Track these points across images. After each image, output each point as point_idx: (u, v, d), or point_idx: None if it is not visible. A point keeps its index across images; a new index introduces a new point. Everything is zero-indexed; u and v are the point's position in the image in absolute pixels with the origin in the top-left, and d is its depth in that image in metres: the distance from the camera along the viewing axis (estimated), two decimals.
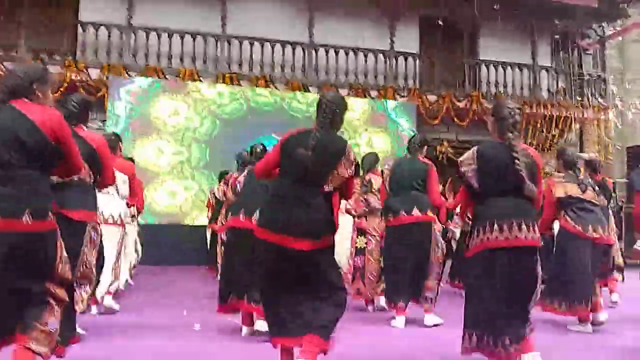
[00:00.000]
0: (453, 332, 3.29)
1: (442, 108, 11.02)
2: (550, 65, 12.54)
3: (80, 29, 9.78)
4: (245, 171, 4.23)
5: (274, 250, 2.75)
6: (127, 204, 4.89)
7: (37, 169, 2.42)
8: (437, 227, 4.47)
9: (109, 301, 4.58)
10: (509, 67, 11.88)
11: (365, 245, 5.09)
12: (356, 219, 5.30)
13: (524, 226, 2.95)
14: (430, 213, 4.40)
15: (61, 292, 2.50)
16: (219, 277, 4.53)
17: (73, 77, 9.23)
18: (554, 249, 4.48)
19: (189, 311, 4.78)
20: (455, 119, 11.11)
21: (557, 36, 12.59)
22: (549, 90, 12.37)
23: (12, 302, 2.35)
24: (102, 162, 3.40)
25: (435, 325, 4.24)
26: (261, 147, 4.34)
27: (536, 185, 3.05)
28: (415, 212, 4.35)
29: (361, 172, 5.38)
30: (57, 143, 2.46)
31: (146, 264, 7.79)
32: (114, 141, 4.45)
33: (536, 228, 3.01)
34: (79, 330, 3.54)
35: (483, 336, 2.94)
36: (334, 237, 2.84)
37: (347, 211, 5.67)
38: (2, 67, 8.70)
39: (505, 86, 11.79)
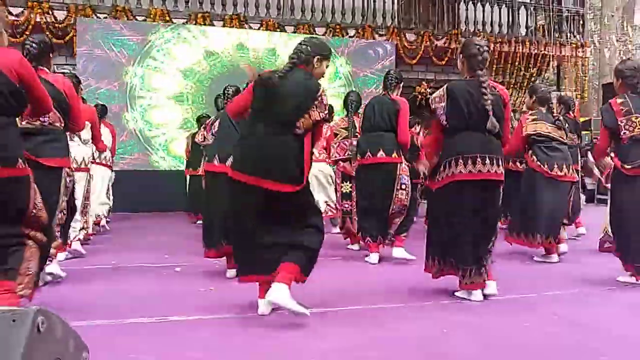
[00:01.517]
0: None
1: (420, 47, 10.88)
2: (528, 1, 12.36)
3: None
4: (219, 116, 4.19)
5: (248, 191, 2.75)
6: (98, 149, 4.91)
7: (3, 115, 2.38)
8: (403, 168, 4.45)
9: (77, 246, 4.61)
10: (487, 4, 11.69)
11: (351, 190, 5.14)
12: (340, 164, 5.31)
13: (487, 161, 3.09)
14: (395, 155, 4.40)
15: (40, 236, 2.52)
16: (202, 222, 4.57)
17: (38, 19, 8.83)
18: (522, 185, 4.62)
19: (170, 254, 4.83)
20: (434, 59, 11.00)
21: None
22: (527, 28, 12.26)
23: None
24: (71, 104, 3.33)
25: (405, 260, 4.35)
26: (233, 88, 4.31)
27: (503, 121, 3.18)
28: (380, 153, 4.39)
29: (345, 113, 5.34)
30: (21, 84, 2.40)
31: (122, 210, 7.82)
32: (74, 84, 4.32)
33: (501, 163, 3.16)
34: (56, 272, 3.59)
35: (448, 260, 3.18)
36: (306, 178, 2.83)
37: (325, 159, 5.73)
38: None
39: (484, 24, 11.64)
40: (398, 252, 4.40)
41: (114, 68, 9.17)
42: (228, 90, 4.32)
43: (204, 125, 4.98)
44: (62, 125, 3.34)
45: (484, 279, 3.16)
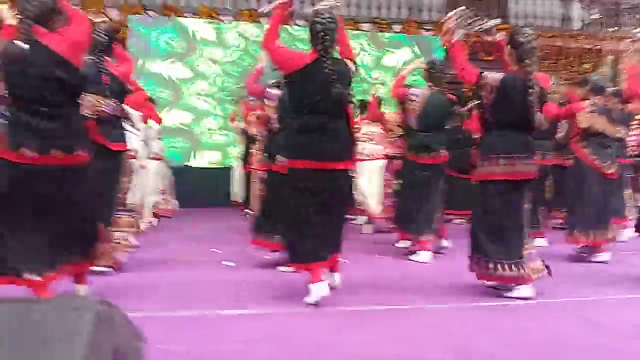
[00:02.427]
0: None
1: (468, 42, 10.63)
2: None
3: None
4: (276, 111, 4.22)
5: (307, 176, 2.99)
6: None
7: (69, 102, 2.56)
8: None
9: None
10: None
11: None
12: (394, 162, 5.30)
13: (526, 161, 3.13)
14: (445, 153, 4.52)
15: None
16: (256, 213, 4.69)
17: (91, 18, 9.11)
18: (569, 180, 4.58)
19: (218, 247, 4.91)
20: (482, 54, 10.73)
21: None
22: (582, 22, 11.80)
23: (63, 231, 2.63)
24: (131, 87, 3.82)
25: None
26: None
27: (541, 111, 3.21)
28: (444, 152, 4.48)
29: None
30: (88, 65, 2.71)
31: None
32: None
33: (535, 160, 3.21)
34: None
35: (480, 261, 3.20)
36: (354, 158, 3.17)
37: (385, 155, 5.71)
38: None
39: (535, 17, 11.28)
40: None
41: (162, 64, 9.38)
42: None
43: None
44: (121, 110, 3.66)
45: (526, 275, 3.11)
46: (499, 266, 3.08)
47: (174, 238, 5.60)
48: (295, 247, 3.06)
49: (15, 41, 2.49)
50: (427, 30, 10.60)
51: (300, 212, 3.03)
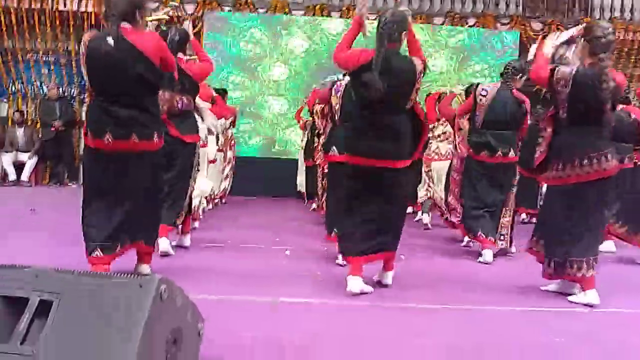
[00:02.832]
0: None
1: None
2: None
3: None
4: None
5: (357, 171, 3.02)
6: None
7: (148, 95, 2.74)
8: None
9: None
10: None
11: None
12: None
13: (604, 158, 2.98)
14: (516, 154, 4.32)
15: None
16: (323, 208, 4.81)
17: (171, 13, 9.48)
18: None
19: (281, 237, 4.99)
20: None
21: None
22: None
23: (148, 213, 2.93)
24: (199, 87, 3.92)
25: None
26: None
27: (614, 109, 3.11)
28: (512, 154, 4.27)
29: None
30: (162, 64, 2.74)
31: (237, 194, 8.20)
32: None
33: (615, 155, 3.07)
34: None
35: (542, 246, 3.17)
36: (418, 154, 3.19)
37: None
38: None
39: (622, 11, 10.59)
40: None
41: (236, 59, 9.63)
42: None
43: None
44: (193, 106, 3.86)
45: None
46: (575, 265, 2.99)
47: (238, 225, 5.74)
48: (342, 240, 3.16)
49: (105, 37, 2.64)
50: (504, 24, 10.23)
51: (349, 207, 3.08)
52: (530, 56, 3.45)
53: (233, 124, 7.42)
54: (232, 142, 7.29)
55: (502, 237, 4.36)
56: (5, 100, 9.92)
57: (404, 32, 3.00)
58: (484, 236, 4.22)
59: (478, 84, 4.74)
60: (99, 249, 2.72)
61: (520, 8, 10.44)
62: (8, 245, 3.88)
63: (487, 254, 4.18)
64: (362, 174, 3.01)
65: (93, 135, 2.74)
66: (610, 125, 3.04)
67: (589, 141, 3.00)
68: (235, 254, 4.22)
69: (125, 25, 2.67)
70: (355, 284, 2.95)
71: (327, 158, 4.16)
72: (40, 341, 1.39)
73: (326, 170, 4.53)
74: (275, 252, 4.32)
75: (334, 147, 3.98)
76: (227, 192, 7.58)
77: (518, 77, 4.28)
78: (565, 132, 3.06)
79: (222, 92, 6.74)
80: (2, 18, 9.38)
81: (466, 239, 4.77)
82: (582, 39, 3.06)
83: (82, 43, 2.79)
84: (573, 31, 3.17)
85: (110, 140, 2.70)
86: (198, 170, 4.07)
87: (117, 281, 1.47)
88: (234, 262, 3.90)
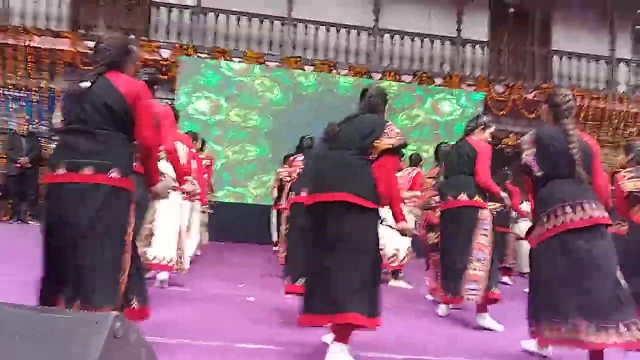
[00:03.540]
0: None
1: (509, 99, 10.67)
2: (630, 58, 11.81)
3: (153, 10, 10.17)
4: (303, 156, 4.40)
5: (317, 211, 2.79)
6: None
7: (120, 131, 2.53)
8: (485, 213, 4.08)
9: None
10: (584, 59, 11.31)
11: (437, 240, 4.75)
12: (425, 212, 5.20)
13: (594, 204, 2.87)
14: (478, 198, 4.07)
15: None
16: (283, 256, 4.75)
17: (146, 57, 9.64)
18: (628, 246, 4.23)
19: (246, 285, 4.95)
20: (523, 111, 10.73)
21: (638, 27, 11.84)
22: (627, 85, 11.68)
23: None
24: (161, 127, 3.65)
25: (488, 329, 3.90)
26: (309, 139, 4.95)
27: (591, 172, 3.00)
28: (462, 196, 4.09)
29: (435, 164, 5.29)
30: (133, 108, 2.59)
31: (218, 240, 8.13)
32: (175, 114, 4.60)
33: (602, 207, 2.92)
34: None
35: (562, 325, 2.74)
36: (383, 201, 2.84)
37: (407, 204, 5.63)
38: (83, 44, 9.21)
39: (579, 79, 11.24)
40: (483, 321, 4.00)
41: (208, 104, 9.76)
42: (306, 140, 4.97)
43: (288, 162, 5.17)
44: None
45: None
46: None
47: (208, 273, 5.67)
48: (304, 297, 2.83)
49: (82, 81, 2.55)
50: (470, 85, 10.70)
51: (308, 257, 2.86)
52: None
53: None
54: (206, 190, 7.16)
55: (471, 292, 3.93)
56: None
57: (386, 105, 3.14)
58: (443, 292, 4.13)
59: (441, 143, 4.94)
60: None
61: (486, 71, 10.97)
62: None
63: (441, 308, 4.27)
64: (310, 212, 2.85)
65: (49, 168, 2.52)
66: (583, 181, 2.93)
67: (573, 190, 2.92)
68: (197, 300, 4.16)
69: (112, 71, 2.59)
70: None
71: (294, 199, 4.17)
72: None
73: (288, 214, 4.54)
74: (239, 298, 4.29)
75: (293, 191, 4.12)
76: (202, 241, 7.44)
77: (481, 129, 4.31)
78: (545, 186, 3.00)
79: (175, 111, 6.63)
80: None
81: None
82: (546, 104, 3.16)
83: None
84: None
85: (63, 171, 2.42)
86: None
87: (69, 317, 1.46)
88: (194, 307, 3.85)
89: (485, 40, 11.19)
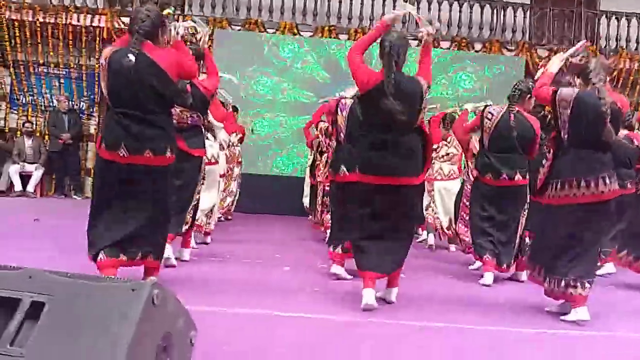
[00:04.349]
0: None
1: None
2: None
3: None
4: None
5: (371, 190, 3.07)
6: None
7: (162, 110, 2.83)
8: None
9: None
10: (634, 18, 10.70)
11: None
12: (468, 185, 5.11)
13: (601, 181, 3.01)
14: (527, 177, 4.18)
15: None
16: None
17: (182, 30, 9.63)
18: None
19: (281, 254, 4.98)
20: (569, 77, 10.27)
21: None
22: None
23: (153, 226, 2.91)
24: (209, 102, 3.98)
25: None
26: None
27: (617, 131, 3.11)
28: (518, 177, 4.14)
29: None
30: (180, 80, 2.88)
31: (243, 210, 8.23)
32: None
33: (614, 180, 3.07)
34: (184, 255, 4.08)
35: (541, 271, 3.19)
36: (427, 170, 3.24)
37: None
38: (120, 21, 9.29)
39: (628, 40, 10.67)
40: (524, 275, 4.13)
41: (243, 75, 9.74)
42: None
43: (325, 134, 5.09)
44: (202, 122, 3.95)
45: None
46: (570, 285, 3.02)
47: (240, 240, 5.74)
48: (357, 254, 3.18)
49: (127, 53, 2.70)
50: (510, 50, 10.32)
51: (361, 224, 3.14)
52: (537, 77, 3.50)
53: (241, 141, 7.47)
54: (239, 158, 7.33)
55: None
56: (15, 111, 10.06)
57: (407, 53, 3.11)
58: (490, 258, 4.13)
59: (487, 105, 4.67)
60: (103, 253, 2.75)
61: (527, 35, 10.53)
62: (10, 252, 3.90)
63: (487, 277, 4.12)
64: (376, 192, 3.06)
65: (107, 147, 2.79)
66: (610, 146, 3.05)
67: (588, 164, 3.02)
68: (234, 267, 4.22)
69: (147, 42, 2.74)
70: (371, 296, 3.00)
71: (337, 178, 4.04)
72: (30, 343, 1.39)
73: (327, 188, 4.52)
74: (274, 267, 4.32)
75: (343, 166, 3.92)
76: (232, 209, 7.59)
77: (527, 98, 4.18)
78: (565, 154, 3.10)
79: (233, 110, 6.82)
80: (17, 31, 9.55)
81: (477, 263, 4.54)
82: (577, 76, 3.20)
83: (102, 56, 2.83)
84: (578, 46, 3.25)
85: (125, 153, 2.74)
86: (202, 184, 4.10)
87: (109, 284, 1.48)
88: (231, 275, 3.90)
89: (528, 2, 10.71)
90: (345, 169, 3.88)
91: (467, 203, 4.76)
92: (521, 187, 4.19)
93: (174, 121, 3.40)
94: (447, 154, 5.86)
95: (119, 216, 2.81)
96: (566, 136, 3.06)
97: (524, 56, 10.24)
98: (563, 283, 3.03)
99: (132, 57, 2.64)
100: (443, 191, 5.78)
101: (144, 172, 2.80)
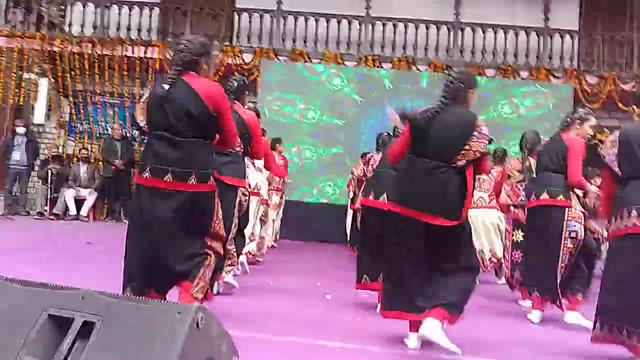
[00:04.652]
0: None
1: (603, 91, 9.97)
2: None
3: (236, 16, 10.52)
4: (380, 154, 4.32)
5: (405, 223, 2.84)
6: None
7: (200, 138, 2.70)
8: (573, 214, 3.83)
9: (243, 259, 4.89)
10: None
11: (522, 239, 4.61)
12: (512, 210, 4.92)
13: None
14: (562, 197, 3.82)
15: (218, 248, 2.79)
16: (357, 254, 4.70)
17: (229, 61, 9.99)
18: None
19: (323, 282, 4.99)
20: (620, 104, 9.97)
21: None
22: None
23: (181, 253, 2.66)
24: (253, 136, 3.76)
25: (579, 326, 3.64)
26: (386, 135, 4.59)
27: None
28: (544, 196, 3.87)
29: (521, 155, 4.95)
30: (216, 114, 2.71)
31: (288, 238, 8.31)
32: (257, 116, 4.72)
33: None
34: (232, 281, 4.01)
35: (615, 326, 2.81)
36: (466, 212, 2.85)
37: (499, 204, 5.42)
38: (171, 53, 9.70)
39: None
40: (571, 316, 3.76)
41: (287, 104, 9.94)
42: (382, 136, 4.64)
43: (364, 160, 5.14)
44: (242, 150, 3.78)
45: None
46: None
47: (282, 269, 5.78)
48: (387, 294, 2.99)
49: (163, 84, 2.71)
50: (557, 78, 10.13)
51: (395, 259, 2.95)
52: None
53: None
54: (280, 185, 7.44)
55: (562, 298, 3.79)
56: (72, 138, 10.60)
57: (470, 91, 2.97)
58: (538, 296, 3.88)
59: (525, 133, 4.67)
60: (129, 290, 2.64)
61: (575, 62, 10.32)
62: (63, 273, 4.07)
63: (535, 314, 3.91)
64: (405, 224, 2.87)
65: (138, 171, 2.73)
66: None
67: (637, 194, 2.86)
68: (275, 295, 4.25)
69: (188, 72, 2.70)
70: (412, 341, 2.87)
71: (363, 201, 4.07)
72: None
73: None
74: (316, 295, 4.32)
75: (371, 192, 3.97)
76: (277, 236, 7.67)
77: (571, 123, 3.98)
78: (619, 186, 2.97)
79: (276, 140, 6.97)
80: (77, 63, 10.14)
81: (527, 302, 4.24)
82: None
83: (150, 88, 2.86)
84: None
85: (148, 175, 2.64)
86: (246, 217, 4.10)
87: (156, 306, 1.53)
88: (273, 303, 3.93)
89: (576, 29, 10.53)
90: (374, 195, 3.91)
91: (509, 229, 4.68)
92: (551, 208, 3.86)
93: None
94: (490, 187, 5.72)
95: (144, 244, 2.65)
96: (618, 169, 2.94)
97: (573, 83, 10.03)
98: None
99: (165, 87, 2.65)
100: (485, 220, 5.58)
101: (164, 196, 2.61)
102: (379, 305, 3.82)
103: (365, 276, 3.93)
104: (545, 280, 3.84)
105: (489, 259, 5.60)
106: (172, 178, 2.61)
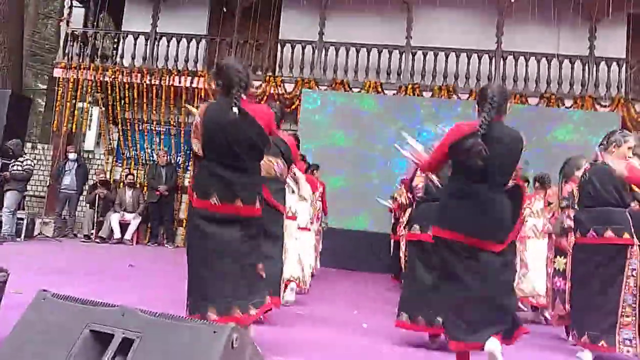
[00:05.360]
0: None
1: None
2: None
3: (279, 47, 10.79)
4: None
5: (459, 249, 2.76)
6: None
7: (257, 161, 2.87)
8: (635, 251, 3.61)
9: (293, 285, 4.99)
10: None
11: (565, 267, 4.41)
12: (554, 237, 4.71)
13: None
14: (627, 235, 3.61)
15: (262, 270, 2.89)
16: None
17: (272, 91, 10.22)
18: None
19: (360, 311, 4.93)
20: None
21: None
22: None
23: (252, 275, 2.81)
24: (292, 156, 3.95)
25: None
26: None
27: None
28: (609, 233, 3.64)
29: (560, 181, 4.81)
30: (272, 136, 2.90)
31: (329, 265, 8.27)
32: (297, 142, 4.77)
33: None
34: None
35: None
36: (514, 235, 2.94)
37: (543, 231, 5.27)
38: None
39: None
40: None
41: (327, 132, 10.04)
42: None
43: (406, 187, 5.09)
44: (287, 173, 3.97)
45: None
46: None
47: (323, 296, 5.75)
48: (445, 326, 2.89)
49: (228, 106, 2.71)
50: (604, 106, 9.88)
51: (442, 289, 2.90)
52: None
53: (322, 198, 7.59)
54: (318, 214, 7.42)
55: (626, 342, 3.51)
56: (120, 164, 11.00)
57: (509, 103, 2.95)
58: (589, 340, 3.63)
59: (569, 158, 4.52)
60: (212, 311, 2.69)
61: (623, 90, 10.06)
62: (106, 292, 4.18)
63: (586, 356, 3.67)
64: (454, 250, 2.78)
65: (199, 196, 2.78)
66: None
67: None
68: (311, 323, 4.22)
69: (244, 98, 2.79)
70: None
71: (409, 236, 3.95)
72: None
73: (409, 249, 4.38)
74: (353, 324, 4.27)
75: (416, 225, 3.86)
76: (316, 265, 7.63)
77: (611, 146, 3.79)
78: None
79: (314, 167, 7.05)
80: (127, 92, 10.60)
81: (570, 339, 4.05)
82: None
83: (197, 113, 2.87)
84: None
85: (216, 202, 2.73)
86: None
87: (193, 325, 1.57)
88: (309, 330, 3.91)
89: (623, 56, 10.29)
90: (417, 228, 3.82)
91: (551, 257, 4.52)
92: (616, 247, 3.65)
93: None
94: (541, 209, 5.51)
95: (207, 270, 2.73)
96: None
97: (620, 112, 9.76)
98: None
99: (235, 110, 2.66)
100: (541, 253, 5.23)
101: (235, 221, 2.74)
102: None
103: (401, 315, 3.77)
104: (600, 322, 3.61)
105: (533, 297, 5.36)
106: (242, 203, 2.75)
